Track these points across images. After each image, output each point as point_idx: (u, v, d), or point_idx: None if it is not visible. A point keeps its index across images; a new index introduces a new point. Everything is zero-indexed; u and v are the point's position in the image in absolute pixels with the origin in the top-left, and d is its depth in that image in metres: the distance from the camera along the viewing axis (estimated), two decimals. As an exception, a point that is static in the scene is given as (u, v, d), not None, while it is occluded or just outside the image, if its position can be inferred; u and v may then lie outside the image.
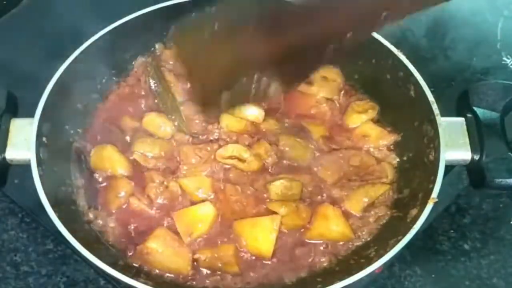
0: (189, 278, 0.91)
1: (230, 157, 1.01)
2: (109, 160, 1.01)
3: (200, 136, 1.04)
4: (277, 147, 1.03)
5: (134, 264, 0.92)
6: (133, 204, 0.97)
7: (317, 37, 0.77)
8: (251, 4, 0.76)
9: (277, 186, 0.98)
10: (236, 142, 1.03)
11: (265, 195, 0.98)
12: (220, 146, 1.02)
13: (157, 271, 0.91)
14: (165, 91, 1.09)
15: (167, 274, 0.91)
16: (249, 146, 1.02)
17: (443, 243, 1.06)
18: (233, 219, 0.96)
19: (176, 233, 0.94)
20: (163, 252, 0.91)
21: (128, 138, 1.05)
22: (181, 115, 1.06)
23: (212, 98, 0.89)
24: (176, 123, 1.05)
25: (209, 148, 1.01)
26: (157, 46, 1.15)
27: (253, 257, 0.93)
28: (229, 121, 1.04)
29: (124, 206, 0.98)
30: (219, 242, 0.94)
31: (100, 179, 1.01)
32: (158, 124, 1.06)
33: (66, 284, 1.00)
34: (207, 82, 0.86)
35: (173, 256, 0.91)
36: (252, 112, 1.05)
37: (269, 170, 1.01)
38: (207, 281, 0.91)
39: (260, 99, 0.93)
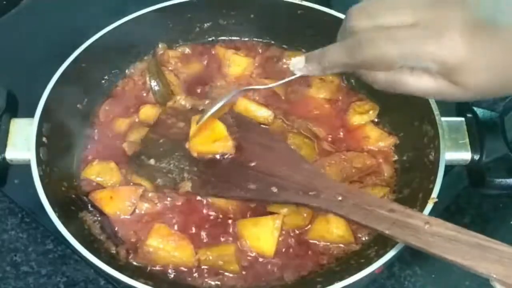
0: (193, 272, 0.91)
1: None
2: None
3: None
4: None
5: (134, 264, 0.92)
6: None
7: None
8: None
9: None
10: None
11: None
12: None
13: (157, 268, 0.91)
14: (164, 87, 1.09)
15: (168, 273, 0.91)
16: None
17: (443, 243, 1.06)
18: (234, 218, 0.96)
19: (173, 227, 0.94)
20: (164, 247, 0.91)
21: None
22: None
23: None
24: None
25: None
26: (160, 45, 1.16)
27: (254, 256, 0.93)
28: None
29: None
30: (220, 241, 0.94)
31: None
32: (154, 114, 1.06)
33: (66, 284, 1.00)
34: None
35: (176, 249, 0.91)
36: (262, 113, 1.06)
37: None
38: (208, 280, 0.91)
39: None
